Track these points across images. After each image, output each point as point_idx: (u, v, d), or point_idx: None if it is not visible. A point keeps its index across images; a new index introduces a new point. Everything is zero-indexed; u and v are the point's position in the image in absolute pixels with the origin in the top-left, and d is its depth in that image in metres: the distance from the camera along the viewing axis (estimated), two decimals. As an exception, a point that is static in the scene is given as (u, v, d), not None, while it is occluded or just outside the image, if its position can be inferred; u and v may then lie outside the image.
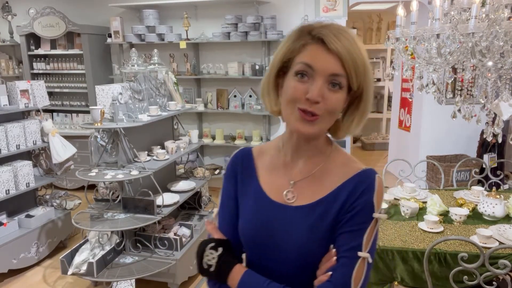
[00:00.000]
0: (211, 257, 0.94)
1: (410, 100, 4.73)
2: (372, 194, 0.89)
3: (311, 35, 0.87)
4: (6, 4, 5.33)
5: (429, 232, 2.13)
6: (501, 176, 3.34)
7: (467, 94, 2.00)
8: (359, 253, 0.87)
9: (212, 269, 0.94)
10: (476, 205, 2.43)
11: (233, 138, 4.84)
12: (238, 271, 0.93)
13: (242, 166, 1.04)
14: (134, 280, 2.69)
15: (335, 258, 0.88)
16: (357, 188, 0.90)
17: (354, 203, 0.89)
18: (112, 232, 2.86)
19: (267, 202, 0.97)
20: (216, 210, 1.07)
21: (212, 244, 0.96)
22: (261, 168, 1.02)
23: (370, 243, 0.89)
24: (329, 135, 0.99)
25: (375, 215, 0.89)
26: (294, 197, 0.95)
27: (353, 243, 0.88)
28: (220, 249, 0.95)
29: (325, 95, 0.85)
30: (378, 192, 0.90)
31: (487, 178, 3.11)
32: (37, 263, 3.39)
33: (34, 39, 5.10)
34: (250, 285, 0.91)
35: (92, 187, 3.31)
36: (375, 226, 0.90)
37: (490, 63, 1.67)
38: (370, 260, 0.89)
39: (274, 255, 0.94)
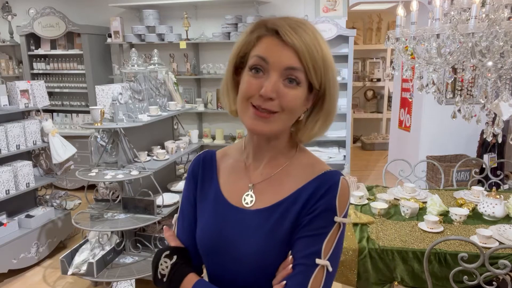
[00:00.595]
0: (165, 265, 0.89)
1: (410, 100, 4.73)
2: (334, 196, 0.83)
3: (266, 27, 0.81)
4: (6, 4, 5.33)
5: (429, 232, 2.13)
6: (501, 176, 3.34)
7: (467, 94, 1.99)
8: (318, 260, 0.80)
9: (165, 279, 0.88)
10: (476, 205, 2.43)
11: (233, 138, 4.84)
12: (190, 281, 0.87)
13: (204, 168, 0.98)
14: (134, 280, 2.70)
15: (291, 265, 0.81)
16: (318, 190, 0.83)
17: (314, 205, 0.83)
18: (112, 232, 2.86)
19: (225, 206, 0.91)
20: (176, 215, 1.01)
21: (167, 252, 0.91)
22: (223, 170, 0.96)
23: (331, 250, 0.82)
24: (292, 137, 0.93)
25: (337, 219, 0.82)
26: (252, 201, 0.89)
27: (311, 249, 0.81)
28: (175, 257, 0.89)
29: (281, 91, 0.79)
30: (341, 194, 0.83)
31: (487, 178, 3.11)
32: (37, 263, 3.39)
33: (34, 39, 5.10)
34: None
35: (92, 187, 3.31)
36: (338, 231, 0.83)
37: (490, 63, 1.67)
38: (331, 269, 0.81)
39: (231, 264, 0.88)
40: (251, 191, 0.90)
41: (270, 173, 0.90)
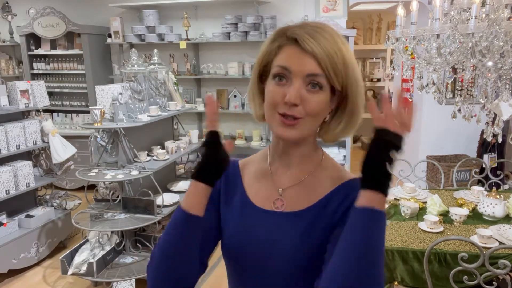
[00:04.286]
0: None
1: (410, 100, 4.73)
2: None
3: (286, 35, 0.84)
4: (6, 4, 5.33)
5: (429, 232, 2.13)
6: (501, 176, 3.34)
7: (467, 94, 2.00)
8: None
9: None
10: (476, 205, 2.43)
11: (233, 138, 4.84)
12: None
13: (226, 178, 0.97)
14: (134, 280, 2.70)
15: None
16: (348, 198, 0.84)
17: (346, 215, 0.81)
18: (112, 232, 2.86)
19: (254, 210, 0.92)
20: None
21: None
22: (247, 178, 0.97)
23: None
24: (316, 142, 0.95)
25: None
26: (283, 205, 0.90)
27: None
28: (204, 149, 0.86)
29: (305, 97, 0.81)
30: None
31: (487, 178, 3.11)
32: (37, 263, 3.39)
33: (34, 39, 5.10)
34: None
35: (92, 187, 3.31)
36: None
37: (490, 63, 1.67)
38: None
39: (263, 267, 0.89)
40: (280, 196, 0.92)
41: (299, 178, 0.92)
